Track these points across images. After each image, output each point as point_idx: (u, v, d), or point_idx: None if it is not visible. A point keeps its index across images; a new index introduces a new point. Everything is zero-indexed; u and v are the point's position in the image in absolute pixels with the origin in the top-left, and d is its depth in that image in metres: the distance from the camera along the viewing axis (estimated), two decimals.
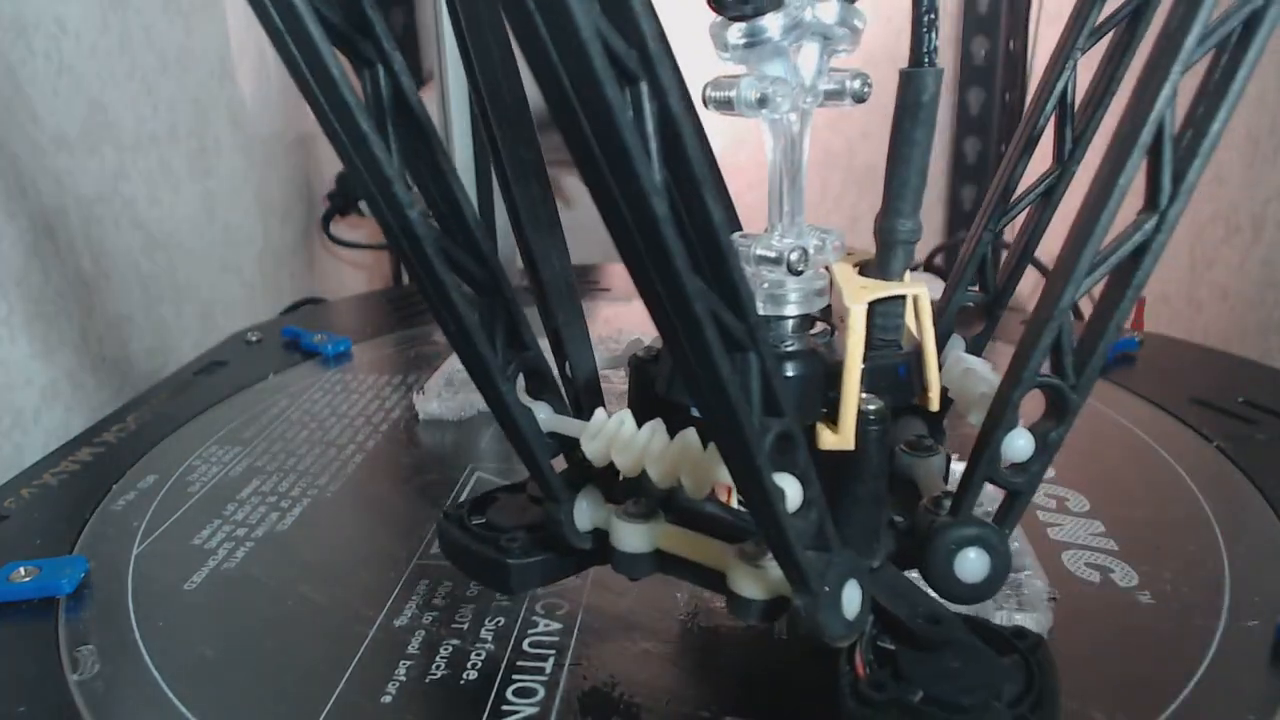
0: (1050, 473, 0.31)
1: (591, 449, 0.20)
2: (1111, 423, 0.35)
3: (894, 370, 0.21)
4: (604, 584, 0.25)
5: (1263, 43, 0.18)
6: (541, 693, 0.21)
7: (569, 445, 0.21)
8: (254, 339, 0.46)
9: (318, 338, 0.45)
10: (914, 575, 0.21)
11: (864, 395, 0.19)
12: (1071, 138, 0.25)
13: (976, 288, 0.25)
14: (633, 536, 0.20)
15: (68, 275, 0.44)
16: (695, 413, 0.19)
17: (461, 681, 0.22)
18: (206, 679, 0.22)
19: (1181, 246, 0.54)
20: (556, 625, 0.24)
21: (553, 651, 0.23)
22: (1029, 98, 0.25)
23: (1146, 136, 0.18)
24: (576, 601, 0.25)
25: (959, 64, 0.76)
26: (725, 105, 0.19)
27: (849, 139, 0.79)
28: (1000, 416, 0.20)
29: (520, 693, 0.21)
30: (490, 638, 0.23)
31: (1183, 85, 0.19)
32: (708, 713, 0.21)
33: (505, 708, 0.21)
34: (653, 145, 0.14)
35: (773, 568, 0.18)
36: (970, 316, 0.25)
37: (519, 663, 0.22)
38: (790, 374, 0.19)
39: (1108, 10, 0.24)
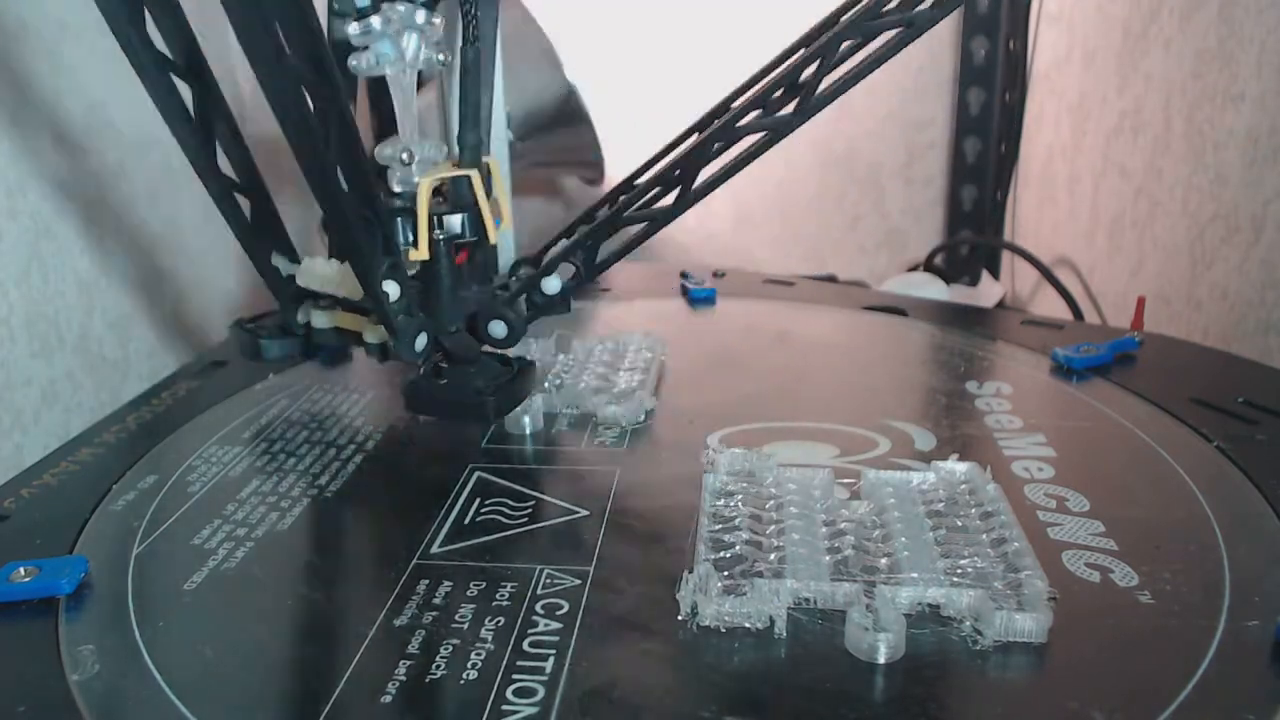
0: (1050, 472, 0.31)
1: (301, 280, 0.35)
2: (1111, 423, 0.35)
3: (464, 220, 0.33)
4: (604, 584, 0.25)
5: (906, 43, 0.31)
6: (541, 693, 0.21)
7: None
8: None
9: None
10: None
11: (439, 231, 0.32)
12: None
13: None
14: (321, 319, 0.35)
15: (68, 275, 0.45)
16: None
17: (461, 681, 0.22)
18: (206, 679, 0.22)
19: (1181, 246, 0.54)
20: (556, 625, 0.24)
21: (553, 651, 0.23)
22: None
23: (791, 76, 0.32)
24: (577, 601, 0.25)
25: (959, 64, 0.76)
26: (359, 71, 0.31)
27: (849, 138, 0.79)
28: (547, 269, 0.35)
29: (520, 693, 0.21)
30: (490, 638, 0.23)
31: None
32: (708, 713, 0.21)
33: (505, 708, 0.21)
34: (331, 133, 0.28)
35: (384, 328, 0.32)
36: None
37: (519, 663, 0.22)
38: (399, 226, 0.32)
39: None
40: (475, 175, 0.33)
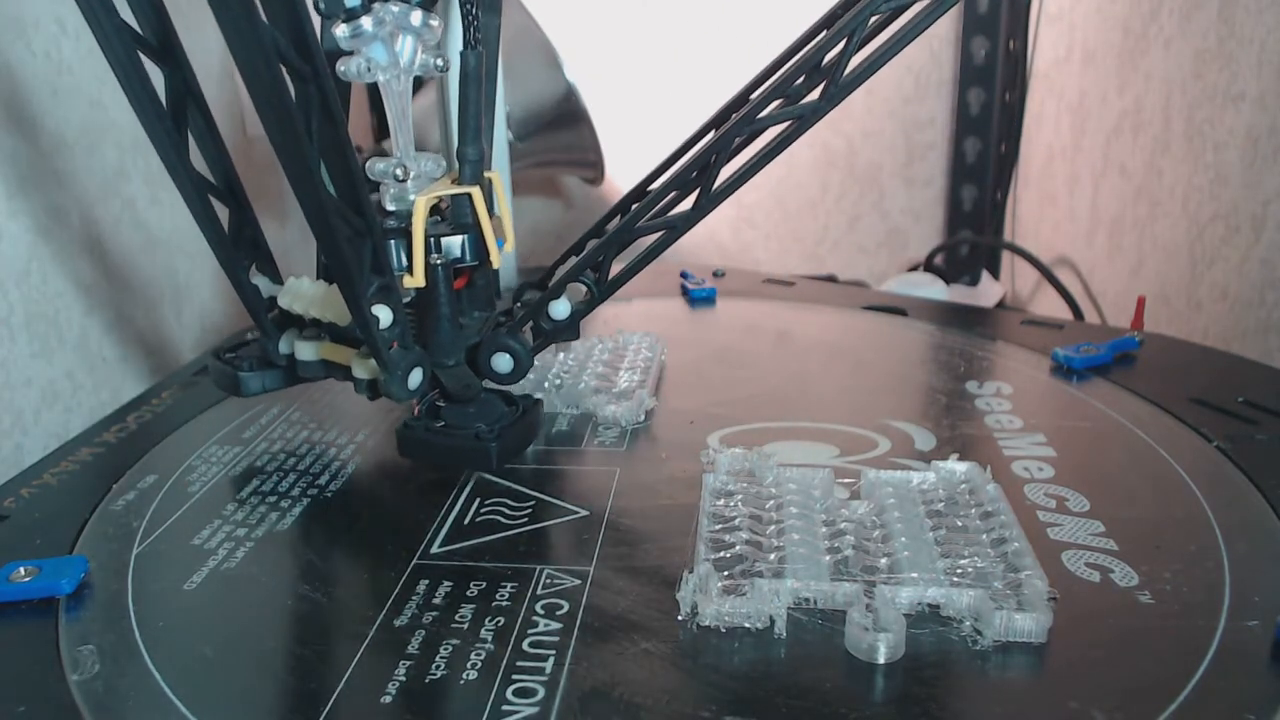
0: (1050, 472, 0.31)
1: (284, 301, 0.32)
2: (1111, 423, 0.35)
3: (465, 242, 0.30)
4: (604, 584, 0.25)
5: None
6: (541, 693, 0.21)
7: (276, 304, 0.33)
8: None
9: None
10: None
11: (436, 254, 0.29)
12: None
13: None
14: (306, 350, 0.32)
15: (68, 275, 0.44)
16: None
17: (461, 681, 0.22)
18: (206, 679, 0.22)
19: (1181, 246, 0.54)
20: (556, 625, 0.24)
21: (553, 651, 0.23)
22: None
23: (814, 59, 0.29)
24: (577, 601, 0.25)
25: (959, 64, 0.76)
26: (349, 76, 0.27)
27: (849, 138, 0.79)
28: (555, 291, 0.33)
29: (520, 693, 0.21)
30: (490, 638, 0.23)
31: None
32: (708, 713, 0.21)
33: (505, 708, 0.21)
34: (314, 121, 0.24)
35: (373, 361, 0.29)
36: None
37: (519, 663, 0.22)
38: (393, 250, 0.29)
39: None
40: (476, 193, 0.30)
